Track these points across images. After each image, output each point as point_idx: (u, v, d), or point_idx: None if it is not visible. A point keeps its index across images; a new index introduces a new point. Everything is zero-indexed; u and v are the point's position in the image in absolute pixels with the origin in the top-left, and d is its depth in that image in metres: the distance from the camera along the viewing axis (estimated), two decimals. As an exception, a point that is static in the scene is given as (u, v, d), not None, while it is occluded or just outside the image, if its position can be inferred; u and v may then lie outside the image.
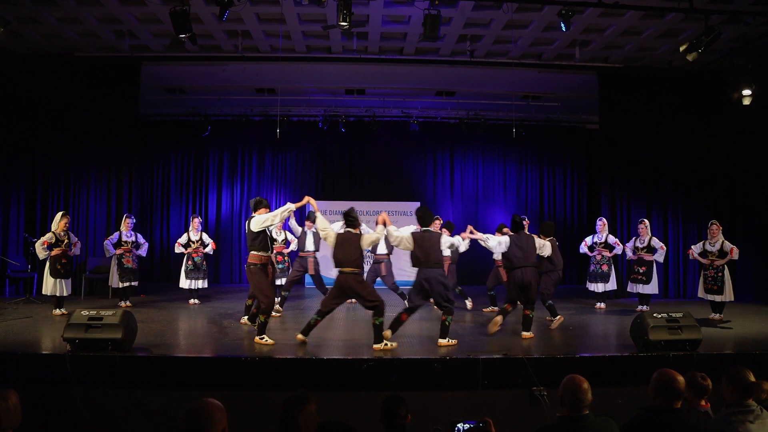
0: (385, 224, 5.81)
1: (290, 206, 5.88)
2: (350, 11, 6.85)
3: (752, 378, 3.08)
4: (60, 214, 7.87)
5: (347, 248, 5.66)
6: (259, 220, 5.87)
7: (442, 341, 5.73)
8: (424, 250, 5.77)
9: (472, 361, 4.97)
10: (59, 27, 8.68)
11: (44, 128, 9.78)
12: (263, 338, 5.74)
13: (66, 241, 7.77)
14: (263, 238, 5.94)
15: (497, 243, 6.45)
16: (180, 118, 12.20)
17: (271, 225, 5.95)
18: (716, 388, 3.77)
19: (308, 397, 2.65)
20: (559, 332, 6.66)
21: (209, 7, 7.85)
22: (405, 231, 6.00)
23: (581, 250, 9.03)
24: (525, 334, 6.29)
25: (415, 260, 5.83)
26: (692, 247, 8.15)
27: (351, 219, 5.82)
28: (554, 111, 12.15)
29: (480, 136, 12.46)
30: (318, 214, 6.07)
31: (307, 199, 6.09)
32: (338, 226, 7.28)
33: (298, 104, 12.05)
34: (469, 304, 8.61)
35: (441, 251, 5.92)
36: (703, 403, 3.53)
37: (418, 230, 6.00)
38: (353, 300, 9.08)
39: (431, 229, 5.96)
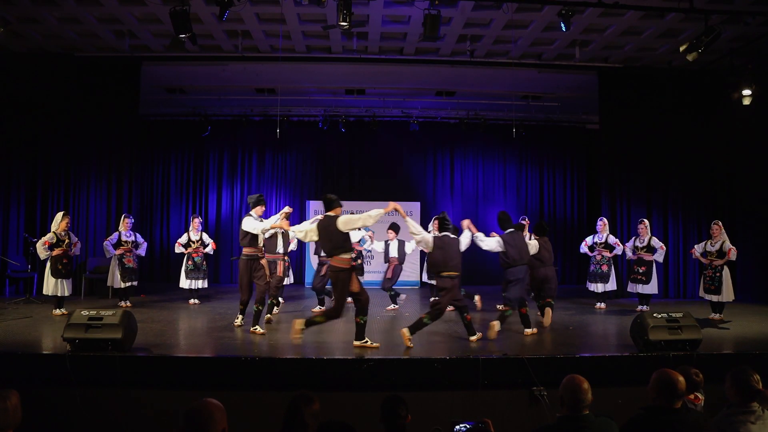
0: (470, 229, 6.40)
1: (381, 211, 5.52)
2: (350, 11, 6.85)
3: (759, 386, 2.98)
4: (60, 214, 7.87)
5: (448, 252, 5.83)
6: (349, 221, 5.40)
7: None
8: (517, 250, 6.34)
9: (472, 361, 4.97)
10: (59, 27, 8.68)
11: (44, 128, 9.77)
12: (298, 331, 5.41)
13: (67, 241, 7.77)
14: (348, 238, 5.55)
15: (532, 246, 6.95)
16: (180, 118, 12.21)
17: (361, 228, 5.84)
18: (716, 388, 3.78)
19: (313, 397, 2.67)
20: (559, 332, 6.65)
21: (209, 7, 7.85)
22: (492, 238, 6.40)
23: (581, 250, 9.03)
24: (545, 320, 6.94)
25: (512, 260, 6.34)
26: (695, 246, 8.16)
27: (447, 222, 6.06)
28: (554, 111, 12.15)
29: (480, 136, 12.47)
30: (408, 219, 5.86)
31: (392, 205, 5.65)
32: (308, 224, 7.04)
33: (298, 104, 12.06)
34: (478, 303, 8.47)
35: (529, 250, 6.65)
36: (692, 397, 3.53)
37: (505, 233, 6.50)
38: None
39: (513, 230, 6.55)
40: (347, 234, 5.46)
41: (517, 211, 12.53)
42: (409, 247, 8.58)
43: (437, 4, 7.36)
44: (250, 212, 6.71)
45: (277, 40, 9.11)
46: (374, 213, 5.36)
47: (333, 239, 5.41)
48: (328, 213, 5.55)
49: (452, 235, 6.01)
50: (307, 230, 5.73)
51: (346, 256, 5.41)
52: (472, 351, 5.41)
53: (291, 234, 6.58)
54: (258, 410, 4.63)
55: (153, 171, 12.68)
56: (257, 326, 6.35)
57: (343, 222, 5.39)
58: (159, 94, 11.32)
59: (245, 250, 6.63)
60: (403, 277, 9.86)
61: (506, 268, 6.40)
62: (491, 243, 6.34)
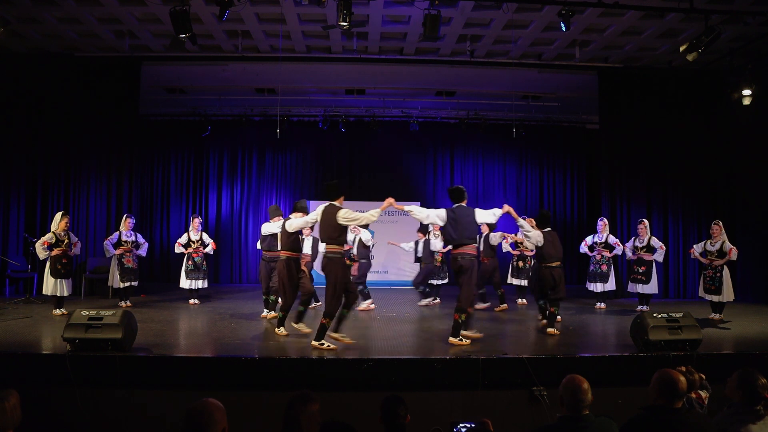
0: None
1: (499, 212, 6.00)
2: (350, 11, 6.85)
3: (766, 393, 2.93)
4: (60, 214, 7.87)
5: (557, 244, 6.70)
6: (483, 214, 5.91)
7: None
8: (554, 246, 6.82)
9: (472, 361, 4.97)
10: (59, 27, 8.68)
11: (44, 128, 9.77)
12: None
13: (66, 241, 7.76)
14: None
15: (537, 237, 6.96)
16: (180, 118, 12.21)
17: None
18: (716, 388, 3.78)
19: (312, 396, 2.66)
20: (559, 332, 6.64)
21: (209, 7, 7.85)
22: (536, 231, 6.71)
23: (581, 250, 9.03)
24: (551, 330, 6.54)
25: (548, 256, 6.74)
26: (694, 246, 8.14)
27: (548, 218, 6.91)
28: (554, 111, 12.15)
29: (480, 136, 12.48)
30: (521, 220, 6.43)
31: (507, 208, 6.11)
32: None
33: (298, 104, 12.06)
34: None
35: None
36: (695, 395, 3.54)
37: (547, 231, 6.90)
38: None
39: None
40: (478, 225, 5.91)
41: (517, 211, 12.45)
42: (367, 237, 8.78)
43: (437, 4, 7.36)
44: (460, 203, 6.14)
45: (277, 40, 9.11)
46: (498, 212, 5.99)
47: (468, 229, 5.76)
48: (461, 204, 5.85)
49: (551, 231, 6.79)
50: (430, 213, 5.85)
51: (475, 244, 5.91)
52: (472, 351, 5.40)
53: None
54: (258, 410, 4.63)
55: (153, 171, 12.68)
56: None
57: (481, 214, 5.85)
58: (159, 94, 11.32)
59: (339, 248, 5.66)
60: (403, 278, 9.88)
61: (543, 264, 6.85)
62: (536, 235, 6.68)
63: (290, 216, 6.41)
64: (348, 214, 5.47)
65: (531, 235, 6.48)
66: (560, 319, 6.81)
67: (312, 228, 8.46)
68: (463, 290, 5.74)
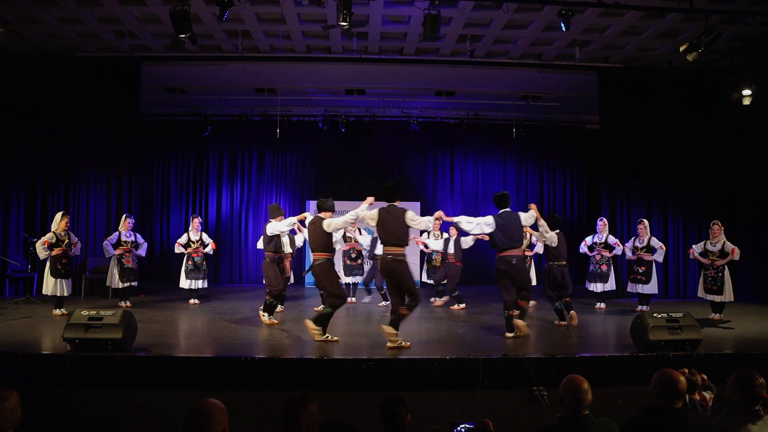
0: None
1: (530, 215, 6.31)
2: (350, 11, 6.85)
3: (764, 392, 2.94)
4: (60, 214, 7.87)
5: (565, 244, 7.17)
6: (529, 217, 6.33)
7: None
8: (564, 246, 7.17)
9: (472, 361, 4.97)
10: (59, 27, 8.68)
11: (44, 128, 9.77)
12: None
13: (66, 241, 7.77)
14: None
15: (552, 238, 7.17)
16: (180, 118, 12.21)
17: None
18: (718, 388, 3.78)
19: (310, 397, 2.66)
20: (559, 332, 6.65)
21: (209, 7, 7.85)
22: (552, 233, 7.02)
23: (581, 250, 9.02)
24: (563, 322, 7.00)
25: (558, 254, 7.10)
26: (693, 246, 8.13)
27: (558, 221, 7.27)
28: (554, 111, 12.15)
29: (480, 136, 12.47)
30: (541, 220, 6.69)
31: (533, 208, 6.41)
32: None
33: (298, 104, 12.06)
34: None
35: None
36: (698, 397, 3.54)
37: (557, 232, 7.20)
38: (353, 300, 9.21)
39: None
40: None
41: (517, 210, 12.52)
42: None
43: (437, 4, 7.36)
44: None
45: (277, 40, 9.11)
46: (532, 213, 6.30)
47: (517, 232, 6.21)
48: (506, 209, 6.27)
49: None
50: (479, 222, 6.31)
51: (522, 246, 6.42)
52: (472, 351, 5.40)
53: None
54: (258, 410, 4.62)
55: (153, 171, 12.68)
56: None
57: (524, 218, 6.29)
58: (159, 94, 11.32)
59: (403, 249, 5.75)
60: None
61: (551, 261, 7.18)
62: (551, 236, 6.96)
63: (320, 215, 6.24)
64: (414, 216, 5.65)
65: (548, 236, 6.90)
66: (574, 314, 6.96)
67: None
68: (522, 286, 6.16)
